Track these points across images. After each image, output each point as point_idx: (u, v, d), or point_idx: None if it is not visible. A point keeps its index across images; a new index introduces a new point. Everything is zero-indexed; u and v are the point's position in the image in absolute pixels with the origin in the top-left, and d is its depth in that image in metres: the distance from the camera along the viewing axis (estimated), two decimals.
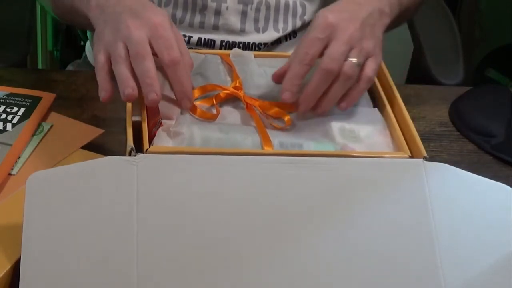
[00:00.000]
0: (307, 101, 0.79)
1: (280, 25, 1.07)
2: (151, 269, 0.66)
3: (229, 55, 0.88)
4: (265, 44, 1.07)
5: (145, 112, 0.78)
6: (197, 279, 0.66)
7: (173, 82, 0.78)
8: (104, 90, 0.78)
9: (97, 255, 0.66)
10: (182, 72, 0.77)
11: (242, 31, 1.06)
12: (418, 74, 1.31)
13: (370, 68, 0.80)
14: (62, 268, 0.65)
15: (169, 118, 0.78)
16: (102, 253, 0.66)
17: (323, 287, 0.68)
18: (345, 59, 0.78)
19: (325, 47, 0.79)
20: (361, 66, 0.80)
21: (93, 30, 0.85)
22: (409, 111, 0.81)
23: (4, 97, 0.89)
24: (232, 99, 0.83)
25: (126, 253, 0.66)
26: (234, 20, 1.05)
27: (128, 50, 0.76)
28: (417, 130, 0.78)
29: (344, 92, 0.80)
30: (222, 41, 1.05)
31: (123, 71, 0.76)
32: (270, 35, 1.07)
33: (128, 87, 0.75)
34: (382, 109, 0.83)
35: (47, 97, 0.90)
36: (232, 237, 0.68)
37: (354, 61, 0.78)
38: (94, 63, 0.80)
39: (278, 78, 0.82)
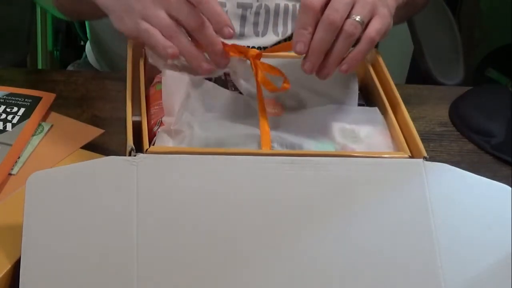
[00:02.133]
0: (313, 55, 0.77)
1: (280, 29, 1.07)
2: (151, 269, 0.66)
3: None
4: (265, 48, 1.07)
5: (145, 112, 0.78)
6: (197, 279, 0.66)
7: (208, 16, 0.78)
8: (168, 47, 0.78)
9: (97, 255, 0.66)
10: (214, 2, 0.78)
11: (241, 35, 1.06)
12: (418, 74, 1.31)
13: (373, 28, 0.78)
14: (62, 268, 0.65)
15: (170, 115, 0.78)
16: (102, 253, 0.66)
17: (322, 287, 0.68)
18: (348, 16, 0.76)
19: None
20: (364, 24, 0.77)
21: (98, 17, 0.84)
22: (409, 111, 0.81)
23: (4, 97, 0.89)
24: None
25: (126, 253, 0.66)
26: (234, 24, 1.05)
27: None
28: (417, 130, 0.78)
29: (346, 52, 0.78)
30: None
31: (187, 45, 0.78)
32: (269, 39, 1.07)
33: (204, 61, 0.79)
34: (382, 109, 0.83)
35: (47, 97, 0.90)
36: (232, 237, 0.68)
37: (357, 19, 0.76)
38: (142, 32, 0.80)
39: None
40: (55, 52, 1.56)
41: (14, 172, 0.80)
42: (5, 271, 0.68)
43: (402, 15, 1.00)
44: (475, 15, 1.95)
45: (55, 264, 0.65)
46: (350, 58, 0.78)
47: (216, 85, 0.82)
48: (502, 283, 0.70)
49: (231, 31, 0.79)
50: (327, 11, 0.76)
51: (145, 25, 0.79)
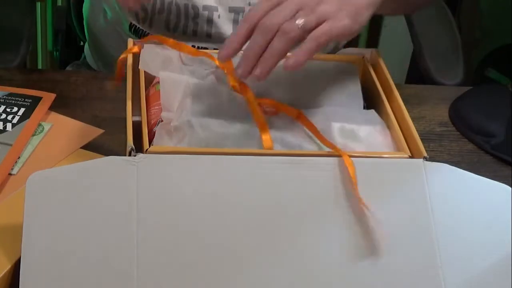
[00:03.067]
0: (246, 59, 0.73)
1: None
2: (151, 269, 0.66)
3: None
4: None
5: (145, 112, 0.78)
6: (197, 279, 0.66)
7: None
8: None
9: (97, 255, 0.66)
10: None
11: None
12: (418, 74, 1.31)
13: (320, 29, 0.74)
14: (62, 268, 0.65)
15: (168, 111, 0.78)
16: (102, 253, 0.66)
17: (322, 287, 0.68)
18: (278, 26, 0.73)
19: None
20: (307, 28, 0.73)
21: None
22: (409, 111, 0.81)
23: (4, 97, 0.89)
24: None
25: (126, 253, 0.66)
26: (226, 29, 1.06)
27: None
28: (417, 130, 0.78)
29: (285, 50, 0.73)
30: (215, 49, 1.06)
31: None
32: None
33: None
34: (382, 109, 0.83)
35: (47, 97, 0.90)
36: (232, 237, 0.68)
37: (298, 22, 0.73)
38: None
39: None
40: (55, 52, 1.56)
41: (14, 172, 0.80)
42: (5, 271, 0.68)
43: (395, 8, 0.96)
44: (475, 15, 1.95)
45: (55, 264, 0.65)
46: (296, 56, 0.74)
47: (214, 85, 0.82)
48: (502, 283, 0.70)
49: None
50: (263, 18, 0.74)
51: None
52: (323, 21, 0.74)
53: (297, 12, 0.74)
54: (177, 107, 0.78)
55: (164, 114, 0.77)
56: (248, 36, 0.74)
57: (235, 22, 1.05)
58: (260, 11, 0.74)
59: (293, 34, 0.73)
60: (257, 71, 0.74)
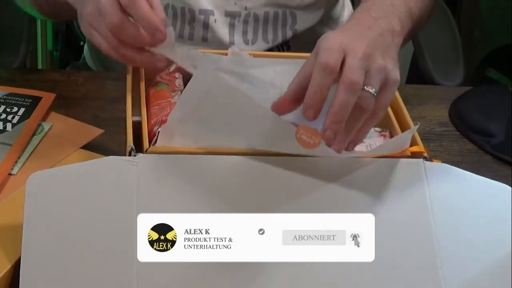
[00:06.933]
0: (335, 123, 0.68)
1: (270, 36, 1.07)
2: (151, 269, 0.66)
3: (226, 54, 0.88)
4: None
5: (145, 112, 0.78)
6: (197, 278, 0.66)
7: (137, 19, 0.76)
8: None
9: (97, 255, 0.66)
10: (142, 5, 0.75)
11: (231, 44, 1.06)
12: (418, 74, 1.31)
13: (383, 103, 0.72)
14: (62, 268, 0.65)
15: (177, 113, 0.77)
16: (102, 253, 0.66)
17: (323, 287, 0.68)
18: (362, 87, 0.69)
19: (342, 61, 0.70)
20: (376, 97, 0.70)
21: (75, 16, 0.84)
22: (409, 111, 0.81)
23: (4, 97, 0.89)
24: None
25: (126, 253, 0.66)
26: (223, 33, 1.05)
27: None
28: (417, 130, 0.78)
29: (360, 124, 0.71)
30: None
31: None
32: (259, 47, 1.07)
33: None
34: None
35: (47, 97, 0.90)
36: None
37: (371, 91, 0.70)
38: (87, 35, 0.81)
39: (278, 107, 0.72)
40: (55, 52, 1.56)
41: (14, 172, 0.80)
42: (5, 271, 0.68)
43: (408, 39, 0.97)
44: (475, 15, 1.95)
45: (55, 264, 0.65)
46: (362, 133, 0.73)
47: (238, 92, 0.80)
48: (502, 283, 0.70)
49: (162, 36, 0.77)
50: (345, 71, 0.68)
51: (88, 29, 0.81)
52: (383, 87, 0.72)
53: (366, 68, 0.70)
54: (190, 107, 0.77)
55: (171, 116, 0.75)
56: (329, 87, 0.69)
57: (231, 26, 1.05)
58: (335, 62, 0.69)
59: (368, 111, 0.70)
60: (336, 148, 0.72)
